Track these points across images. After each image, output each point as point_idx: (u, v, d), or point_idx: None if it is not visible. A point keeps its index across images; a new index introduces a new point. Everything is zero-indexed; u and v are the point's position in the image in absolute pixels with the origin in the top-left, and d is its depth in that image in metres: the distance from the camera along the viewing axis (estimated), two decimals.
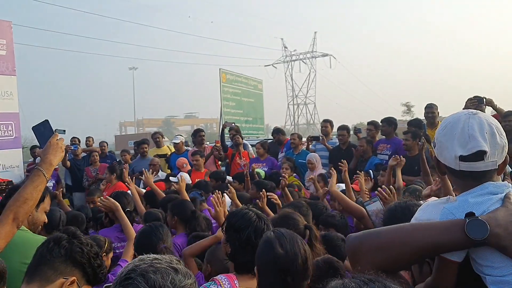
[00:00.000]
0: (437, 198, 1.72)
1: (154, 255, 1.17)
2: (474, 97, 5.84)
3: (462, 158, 1.34)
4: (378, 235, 1.37)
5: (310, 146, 7.68)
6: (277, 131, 8.61)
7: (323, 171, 6.35)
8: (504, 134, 1.38)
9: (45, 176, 2.02)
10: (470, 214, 1.25)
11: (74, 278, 1.58)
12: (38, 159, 8.91)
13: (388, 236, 1.34)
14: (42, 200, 2.30)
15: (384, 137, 6.87)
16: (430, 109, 6.58)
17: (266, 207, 3.85)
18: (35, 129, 2.32)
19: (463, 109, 6.07)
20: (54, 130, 2.29)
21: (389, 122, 6.76)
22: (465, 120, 1.37)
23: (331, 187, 3.87)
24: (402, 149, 6.06)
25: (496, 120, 1.41)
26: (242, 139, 8.26)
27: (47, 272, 1.57)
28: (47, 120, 2.35)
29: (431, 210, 1.45)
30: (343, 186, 4.58)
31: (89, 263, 1.63)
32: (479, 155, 1.33)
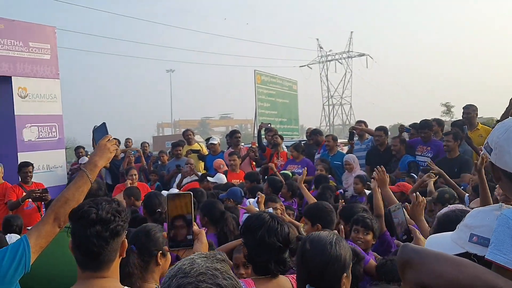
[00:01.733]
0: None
1: (199, 266, 1.09)
2: None
3: None
4: (440, 262, 1.28)
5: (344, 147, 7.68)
6: (315, 132, 8.58)
7: (362, 173, 6.29)
8: None
9: (88, 177, 2.04)
10: None
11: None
12: (81, 159, 9.21)
13: (450, 269, 1.24)
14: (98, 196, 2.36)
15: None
16: (467, 110, 6.42)
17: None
18: (94, 131, 2.34)
19: (507, 108, 5.92)
20: (105, 125, 2.32)
21: (430, 127, 6.54)
22: None
23: (381, 185, 3.76)
24: (442, 152, 5.94)
25: None
26: (282, 139, 8.31)
27: None
28: (105, 122, 2.37)
29: (484, 217, 1.42)
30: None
31: None
32: None
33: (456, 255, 1.36)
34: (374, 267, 2.94)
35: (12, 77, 7.12)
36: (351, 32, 67.77)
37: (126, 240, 1.76)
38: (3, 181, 6.17)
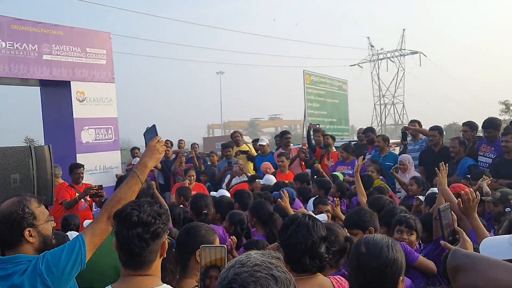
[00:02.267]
0: None
1: (255, 258, 1.16)
2: None
3: None
4: (493, 268, 1.22)
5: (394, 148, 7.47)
6: (369, 130, 8.37)
7: (416, 174, 6.10)
8: None
9: (139, 177, 2.12)
10: None
11: None
12: (134, 160, 9.52)
13: (503, 275, 1.18)
14: (152, 196, 2.45)
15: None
16: None
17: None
18: (145, 133, 2.41)
19: None
20: (154, 127, 2.37)
21: (495, 126, 6.16)
22: None
23: (440, 184, 3.53)
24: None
25: None
26: (333, 140, 8.21)
27: None
28: (154, 125, 2.43)
29: None
30: (436, 190, 4.40)
31: None
32: None
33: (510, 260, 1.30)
34: (425, 263, 2.92)
35: (71, 82, 7.47)
36: (403, 29, 66.06)
37: (166, 241, 1.83)
38: (62, 181, 6.46)
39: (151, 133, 2.34)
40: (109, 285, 1.76)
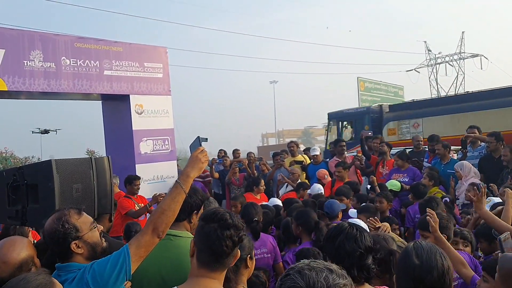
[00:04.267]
0: None
1: (309, 262, 1.23)
2: None
3: None
4: None
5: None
6: (434, 138, 8.05)
7: (476, 180, 5.85)
8: None
9: (182, 188, 2.14)
10: None
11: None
12: None
13: None
14: (200, 208, 2.53)
15: None
16: None
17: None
18: (190, 146, 2.48)
19: None
20: (198, 139, 2.44)
21: None
22: None
23: (477, 208, 3.34)
24: None
25: None
26: (390, 148, 8.05)
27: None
28: (198, 136, 2.49)
29: None
30: (495, 199, 4.21)
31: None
32: None
33: None
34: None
35: (130, 95, 7.80)
36: (463, 32, 63.18)
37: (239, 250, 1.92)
38: (119, 190, 6.73)
39: (195, 144, 2.39)
40: (175, 286, 1.83)
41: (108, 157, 3.03)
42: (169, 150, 8.32)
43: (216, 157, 9.77)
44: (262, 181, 6.78)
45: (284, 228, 4.20)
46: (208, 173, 9.20)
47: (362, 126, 13.67)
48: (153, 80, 8.14)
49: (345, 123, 14.78)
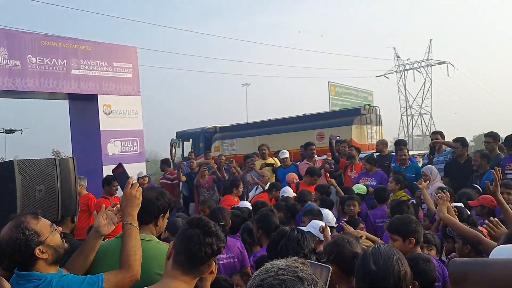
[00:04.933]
0: None
1: (279, 264, 1.16)
2: None
3: None
4: (488, 266, 1.30)
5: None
6: (401, 142, 8.15)
7: (442, 185, 5.98)
8: None
9: (135, 226, 2.20)
10: None
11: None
12: (167, 174, 9.58)
13: (499, 270, 1.26)
14: (167, 211, 2.51)
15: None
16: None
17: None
18: (117, 176, 2.47)
19: None
20: (124, 170, 2.46)
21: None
22: None
23: (440, 211, 3.45)
24: None
25: None
26: (358, 152, 8.15)
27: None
28: (121, 163, 2.54)
29: None
30: (458, 204, 4.32)
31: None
32: None
33: None
34: None
35: (98, 95, 7.67)
36: (430, 39, 65.01)
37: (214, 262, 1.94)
38: (86, 192, 6.60)
39: (122, 175, 2.40)
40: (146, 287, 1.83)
41: (73, 158, 2.96)
42: (138, 152, 8.22)
43: (183, 160, 9.70)
44: (241, 183, 6.78)
45: (247, 232, 4.18)
46: (176, 175, 9.13)
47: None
48: (122, 80, 8.03)
49: (185, 140, 17.45)
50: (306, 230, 2.64)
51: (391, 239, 3.09)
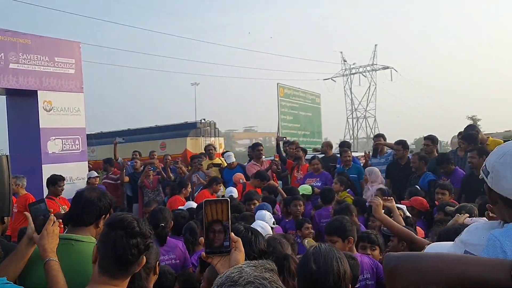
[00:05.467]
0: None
1: (248, 274, 1.07)
2: None
3: None
4: (420, 259, 1.34)
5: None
6: (345, 144, 8.39)
7: (382, 186, 6.18)
8: None
9: (56, 261, 2.13)
10: None
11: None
12: (110, 174, 9.30)
13: (430, 263, 1.30)
14: (108, 212, 2.44)
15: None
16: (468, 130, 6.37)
17: None
18: (31, 209, 2.37)
19: None
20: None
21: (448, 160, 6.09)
22: None
23: (375, 212, 3.54)
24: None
25: None
26: (305, 153, 8.27)
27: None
28: (43, 199, 2.48)
29: (479, 235, 1.41)
30: (401, 206, 4.47)
31: None
32: None
33: None
34: None
35: (38, 91, 7.34)
36: (375, 45, 67.27)
37: (145, 258, 1.88)
38: (26, 192, 6.30)
39: (37, 209, 2.34)
40: None
41: (7, 155, 2.80)
42: (79, 151, 7.94)
43: (122, 162, 9.45)
44: (189, 183, 6.73)
45: (190, 231, 4.15)
46: (119, 175, 8.90)
47: None
48: (64, 76, 7.72)
49: None
50: (254, 228, 2.66)
51: (329, 241, 3.17)
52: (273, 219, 4.52)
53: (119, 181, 8.96)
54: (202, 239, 1.52)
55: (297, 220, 5.13)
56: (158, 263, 2.53)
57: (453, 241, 1.55)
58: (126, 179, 8.80)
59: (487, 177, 1.40)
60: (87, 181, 8.11)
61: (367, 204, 5.37)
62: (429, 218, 4.80)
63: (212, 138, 16.19)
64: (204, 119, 17.21)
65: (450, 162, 6.00)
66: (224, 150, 10.59)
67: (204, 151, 9.25)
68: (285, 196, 6.11)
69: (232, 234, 1.54)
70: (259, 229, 3.62)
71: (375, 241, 3.28)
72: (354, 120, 68.75)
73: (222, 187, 7.04)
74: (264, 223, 3.89)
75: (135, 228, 1.78)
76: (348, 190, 6.28)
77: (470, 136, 6.27)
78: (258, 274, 1.07)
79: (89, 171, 8.40)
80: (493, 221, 1.45)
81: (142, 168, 8.83)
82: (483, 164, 1.43)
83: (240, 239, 1.56)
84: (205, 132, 16.32)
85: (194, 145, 15.67)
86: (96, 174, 8.37)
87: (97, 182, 8.27)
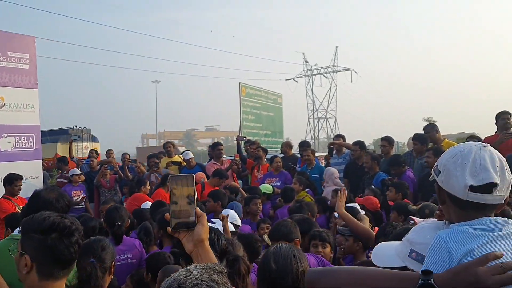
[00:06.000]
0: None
1: (195, 277, 1.06)
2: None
3: (472, 189, 1.32)
4: (336, 274, 1.40)
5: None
6: (305, 144, 8.48)
7: (338, 187, 6.29)
8: (510, 171, 1.37)
9: None
10: (426, 273, 1.22)
11: None
12: (64, 173, 9.02)
13: (345, 277, 1.36)
14: (66, 213, 2.38)
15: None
16: (426, 130, 6.58)
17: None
18: None
19: (497, 138, 5.97)
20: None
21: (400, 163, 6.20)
22: (477, 151, 1.36)
23: (338, 208, 3.71)
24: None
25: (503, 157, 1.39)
26: (265, 152, 8.30)
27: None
28: None
29: (425, 234, 1.46)
30: (354, 205, 4.57)
31: None
32: (489, 188, 1.31)
33: (397, 268, 1.41)
34: None
35: None
36: (336, 46, 68.34)
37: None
38: None
39: None
40: None
41: None
42: (33, 148, 7.66)
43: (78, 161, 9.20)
44: (148, 181, 6.67)
45: (144, 231, 4.10)
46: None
47: None
48: (18, 71, 7.43)
49: None
50: (216, 228, 2.67)
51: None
52: (239, 220, 4.54)
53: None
54: (167, 215, 1.52)
55: (255, 219, 5.18)
56: (114, 264, 2.51)
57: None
58: (82, 178, 8.59)
59: (438, 177, 1.43)
60: (69, 179, 8.01)
61: (328, 203, 5.48)
62: (379, 218, 4.92)
63: (85, 143, 18.30)
64: (76, 126, 18.77)
65: (401, 165, 6.15)
66: (285, 141, 10.40)
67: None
68: (245, 195, 6.11)
69: (198, 208, 1.54)
70: (220, 227, 3.64)
71: (326, 239, 3.35)
72: (315, 121, 69.64)
73: None
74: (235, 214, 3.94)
75: (71, 226, 1.73)
76: (307, 190, 6.35)
77: (421, 137, 6.48)
78: (206, 276, 1.06)
79: (43, 169, 8.15)
80: (438, 222, 1.50)
81: (98, 167, 8.63)
82: (435, 164, 1.47)
83: (204, 213, 1.56)
84: (76, 137, 17.41)
85: (65, 150, 15.51)
86: (79, 172, 8.15)
87: (81, 180, 8.08)
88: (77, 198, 7.72)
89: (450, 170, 1.38)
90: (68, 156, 10.00)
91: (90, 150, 9.59)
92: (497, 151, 1.40)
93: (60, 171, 9.34)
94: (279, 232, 3.27)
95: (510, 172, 1.36)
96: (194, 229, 1.51)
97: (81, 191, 8.02)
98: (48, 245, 1.69)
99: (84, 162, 8.95)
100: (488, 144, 1.41)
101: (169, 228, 1.52)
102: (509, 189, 1.37)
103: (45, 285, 1.70)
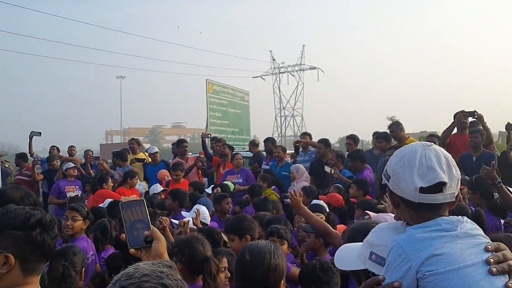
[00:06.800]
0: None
1: (143, 269, 1.08)
2: (463, 111, 6.05)
3: (422, 190, 1.32)
4: None
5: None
6: (269, 140, 8.42)
7: (306, 183, 6.31)
8: (457, 167, 1.37)
9: None
10: None
11: None
12: (24, 170, 8.72)
13: None
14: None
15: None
16: (391, 128, 6.75)
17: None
18: None
19: (453, 121, 6.23)
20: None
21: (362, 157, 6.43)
22: (422, 152, 1.36)
23: (295, 208, 3.71)
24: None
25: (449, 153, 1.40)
26: (231, 150, 8.26)
27: None
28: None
29: (384, 235, 1.47)
30: (319, 202, 4.59)
31: None
32: (439, 187, 1.32)
33: (360, 271, 1.41)
34: (296, 274, 3.03)
35: None
36: (303, 45, 68.83)
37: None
38: None
39: None
40: None
41: None
42: None
43: (37, 158, 8.85)
44: (110, 178, 6.65)
45: (101, 229, 4.01)
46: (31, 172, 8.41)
47: None
48: None
49: None
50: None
51: (228, 239, 3.27)
52: (209, 218, 4.51)
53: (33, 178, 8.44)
54: (123, 235, 1.56)
55: (224, 218, 5.13)
56: (84, 270, 2.60)
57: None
58: (40, 177, 8.33)
59: (388, 181, 1.43)
60: (63, 173, 7.66)
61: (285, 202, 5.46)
62: (343, 215, 4.96)
63: None
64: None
65: (362, 159, 6.29)
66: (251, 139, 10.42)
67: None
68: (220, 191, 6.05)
69: (152, 226, 1.60)
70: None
71: (283, 235, 3.40)
72: (282, 119, 70.02)
73: (139, 181, 6.89)
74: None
75: (52, 220, 1.72)
76: (273, 187, 6.35)
77: (385, 135, 6.60)
78: (155, 268, 1.09)
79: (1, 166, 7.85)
80: (397, 222, 1.49)
81: (59, 164, 8.37)
82: (385, 169, 1.46)
83: (156, 229, 1.61)
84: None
85: None
86: (74, 165, 7.76)
87: (76, 174, 7.72)
88: (72, 194, 7.17)
89: (399, 173, 1.37)
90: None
91: (51, 146, 9.25)
92: (442, 149, 1.40)
93: (19, 168, 9.02)
94: (229, 224, 3.45)
95: (457, 168, 1.37)
96: (151, 245, 1.57)
97: (77, 186, 7.56)
98: (35, 240, 1.67)
99: (39, 161, 8.63)
100: (432, 143, 1.41)
101: (131, 250, 1.57)
102: (459, 185, 1.38)
103: (30, 281, 1.68)
